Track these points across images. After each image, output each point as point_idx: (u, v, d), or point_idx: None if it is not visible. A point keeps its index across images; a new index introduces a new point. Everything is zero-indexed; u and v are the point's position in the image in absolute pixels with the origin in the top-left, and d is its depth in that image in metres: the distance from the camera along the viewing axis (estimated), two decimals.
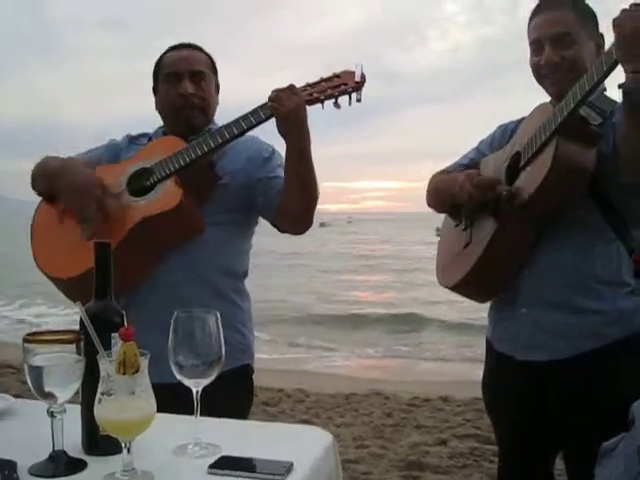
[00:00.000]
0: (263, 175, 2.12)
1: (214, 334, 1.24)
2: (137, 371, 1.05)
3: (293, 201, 2.03)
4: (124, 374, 1.04)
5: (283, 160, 2.08)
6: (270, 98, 1.96)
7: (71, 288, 2.02)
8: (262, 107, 1.99)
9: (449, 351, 11.27)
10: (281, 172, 2.09)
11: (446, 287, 2.19)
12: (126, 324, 1.16)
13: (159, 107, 2.23)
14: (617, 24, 1.62)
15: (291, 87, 1.96)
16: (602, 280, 1.89)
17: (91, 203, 1.97)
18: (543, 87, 2.02)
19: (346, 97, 2.00)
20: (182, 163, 2.01)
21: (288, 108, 1.92)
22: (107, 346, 1.16)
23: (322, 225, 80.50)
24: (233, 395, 1.95)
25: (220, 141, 2.01)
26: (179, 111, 2.13)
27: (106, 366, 1.06)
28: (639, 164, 1.74)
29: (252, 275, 2.25)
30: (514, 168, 1.98)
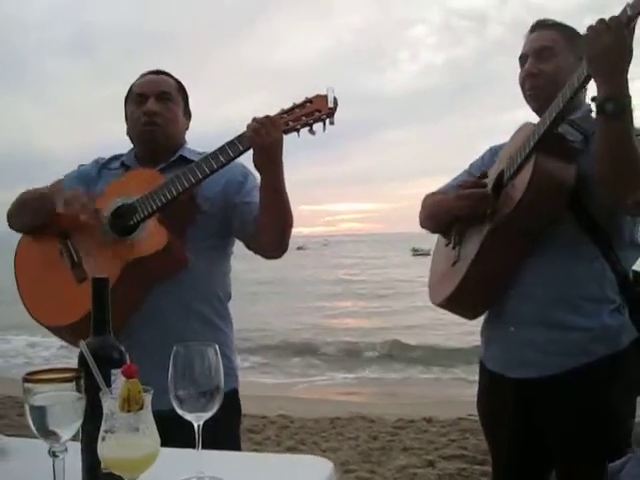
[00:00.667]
0: (239, 200, 2.13)
1: (213, 366, 1.24)
2: (141, 408, 1.04)
3: (268, 229, 2.05)
4: (128, 411, 1.03)
5: (257, 182, 2.09)
6: (249, 129, 1.95)
7: (67, 332, 2.00)
8: (240, 138, 1.98)
9: (430, 372, 11.30)
10: (256, 196, 2.08)
11: (436, 304, 2.22)
12: (128, 361, 1.15)
13: (128, 130, 2.24)
14: (585, 42, 1.72)
15: (271, 120, 1.95)
16: (587, 297, 1.92)
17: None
18: (527, 103, 2.08)
19: (320, 123, 2.00)
20: (164, 200, 1.99)
21: (267, 142, 1.92)
22: (107, 383, 1.16)
23: (299, 249, 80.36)
24: (226, 420, 1.94)
25: (201, 176, 2.00)
26: (143, 129, 2.15)
27: (109, 403, 1.05)
28: (618, 181, 1.78)
29: (230, 303, 2.26)
30: (499, 186, 2.03)
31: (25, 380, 1.12)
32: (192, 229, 2.07)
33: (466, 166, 2.33)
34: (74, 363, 1.24)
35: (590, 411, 1.89)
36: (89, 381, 1.15)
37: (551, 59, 1.99)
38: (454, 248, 2.18)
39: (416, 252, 56.91)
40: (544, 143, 1.88)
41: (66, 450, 1.14)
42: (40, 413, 1.08)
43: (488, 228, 2.00)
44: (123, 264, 1.96)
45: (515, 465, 2.10)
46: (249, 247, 2.15)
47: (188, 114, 2.28)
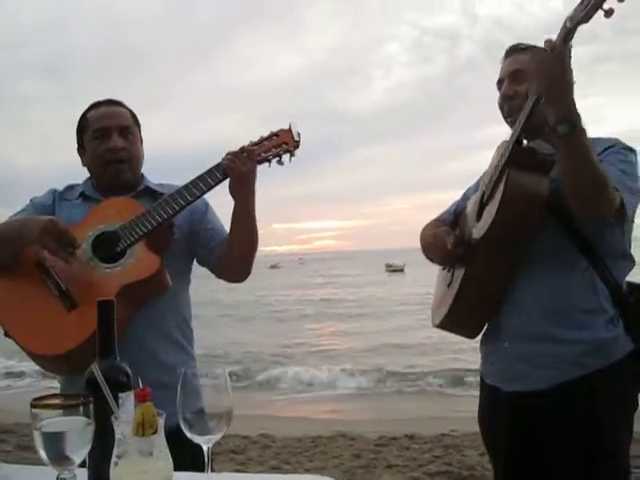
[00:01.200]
0: (202, 227, 2.23)
1: (222, 389, 1.23)
2: (155, 431, 1.03)
3: (237, 252, 2.15)
4: (143, 435, 1.02)
5: (214, 211, 2.28)
6: (226, 160, 2.07)
7: (59, 361, 1.95)
8: (217, 168, 2.09)
9: (410, 389, 11.30)
10: (217, 224, 2.25)
11: (435, 326, 2.25)
12: (141, 384, 1.14)
13: (88, 163, 2.23)
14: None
15: (246, 151, 2.09)
16: (580, 309, 1.95)
17: (69, 235, 1.94)
18: (507, 124, 2.12)
19: (288, 154, 2.16)
20: (149, 227, 2.02)
21: (242, 171, 2.05)
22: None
23: (273, 267, 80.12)
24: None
25: (184, 203, 2.07)
26: (108, 165, 2.15)
27: (122, 428, 1.04)
28: (584, 196, 1.82)
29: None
30: (482, 206, 2.08)
31: (33, 406, 1.10)
32: (166, 254, 2.08)
33: (455, 189, 2.37)
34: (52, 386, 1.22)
35: (582, 425, 1.90)
36: (96, 406, 1.14)
37: (525, 81, 2.04)
38: (449, 271, 2.23)
39: (390, 268, 57.21)
40: (515, 158, 1.94)
41: (75, 477, 1.12)
42: (53, 439, 1.06)
43: (472, 247, 2.06)
44: (117, 289, 1.93)
45: (518, 478, 2.11)
46: (214, 271, 2.24)
47: (141, 142, 2.30)
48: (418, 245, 2.37)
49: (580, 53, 2.10)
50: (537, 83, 1.80)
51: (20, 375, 12.89)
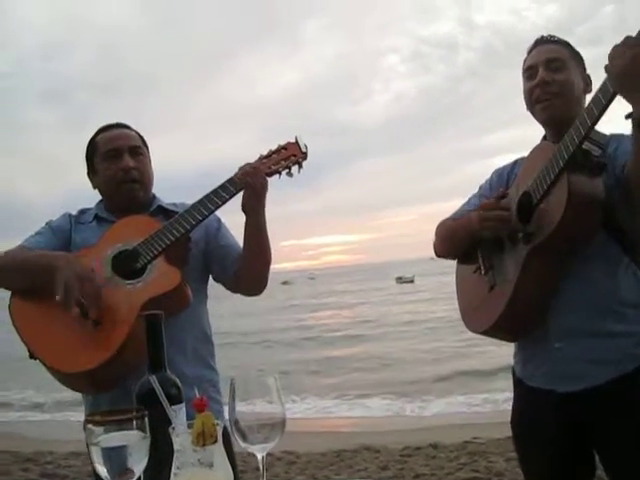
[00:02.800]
0: (216, 244, 2.26)
1: (274, 396, 1.22)
2: (216, 441, 1.03)
3: (252, 267, 2.20)
4: (203, 445, 1.02)
5: (227, 226, 2.31)
6: (239, 174, 2.12)
7: (86, 379, 1.97)
8: (230, 182, 2.12)
9: (430, 398, 11.22)
10: (231, 239, 2.29)
11: (477, 332, 2.19)
12: (197, 394, 1.14)
13: (99, 185, 2.25)
14: (610, 60, 1.75)
15: (257, 165, 2.14)
16: (626, 303, 1.94)
17: (95, 289, 1.96)
18: (533, 114, 2.11)
19: (296, 166, 2.21)
20: (167, 242, 2.05)
21: (254, 184, 2.10)
22: (168, 419, 1.15)
23: (285, 283, 79.88)
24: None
25: (200, 217, 2.10)
26: (121, 185, 2.18)
27: (182, 439, 1.04)
28: None
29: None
30: (525, 208, 2.02)
31: (88, 422, 1.10)
32: (185, 270, 2.09)
33: (464, 193, 2.33)
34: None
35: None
36: (152, 420, 1.13)
37: (563, 70, 2.04)
38: (486, 274, 2.16)
39: (400, 280, 57.01)
40: (576, 161, 1.88)
41: None
42: (114, 453, 1.05)
43: (528, 249, 1.98)
44: (140, 304, 1.94)
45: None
46: (230, 288, 2.28)
47: (151, 163, 2.33)
48: (425, 255, 2.35)
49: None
50: (615, 74, 1.73)
51: (38, 406, 12.88)
